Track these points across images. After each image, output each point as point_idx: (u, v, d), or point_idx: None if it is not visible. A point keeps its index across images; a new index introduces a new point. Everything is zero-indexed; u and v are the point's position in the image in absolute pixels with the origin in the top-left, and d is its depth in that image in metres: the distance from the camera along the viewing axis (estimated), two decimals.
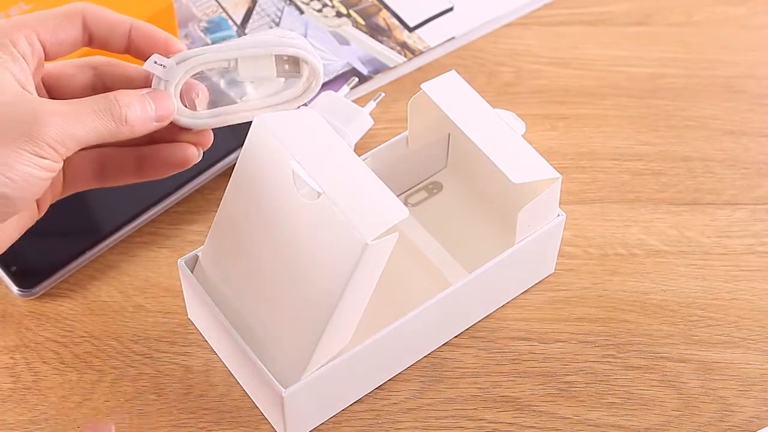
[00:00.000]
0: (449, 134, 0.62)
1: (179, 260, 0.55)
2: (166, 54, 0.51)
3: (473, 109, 0.57)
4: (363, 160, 0.57)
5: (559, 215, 0.58)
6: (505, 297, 0.60)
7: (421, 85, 0.57)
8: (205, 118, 0.53)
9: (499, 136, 0.55)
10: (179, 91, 0.51)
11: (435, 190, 0.63)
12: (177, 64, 0.51)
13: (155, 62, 0.51)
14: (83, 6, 0.51)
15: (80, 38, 0.51)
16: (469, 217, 0.62)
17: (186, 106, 0.52)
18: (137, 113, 0.49)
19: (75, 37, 0.51)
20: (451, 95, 0.57)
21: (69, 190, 0.53)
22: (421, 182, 0.64)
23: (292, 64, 0.53)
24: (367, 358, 0.53)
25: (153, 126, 0.50)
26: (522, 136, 0.57)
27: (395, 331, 0.53)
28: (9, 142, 0.46)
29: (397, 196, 0.58)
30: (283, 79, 0.53)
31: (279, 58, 0.52)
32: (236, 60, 0.52)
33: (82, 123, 0.47)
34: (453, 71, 0.58)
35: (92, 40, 0.52)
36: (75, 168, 0.52)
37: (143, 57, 0.52)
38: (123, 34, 0.52)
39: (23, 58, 0.49)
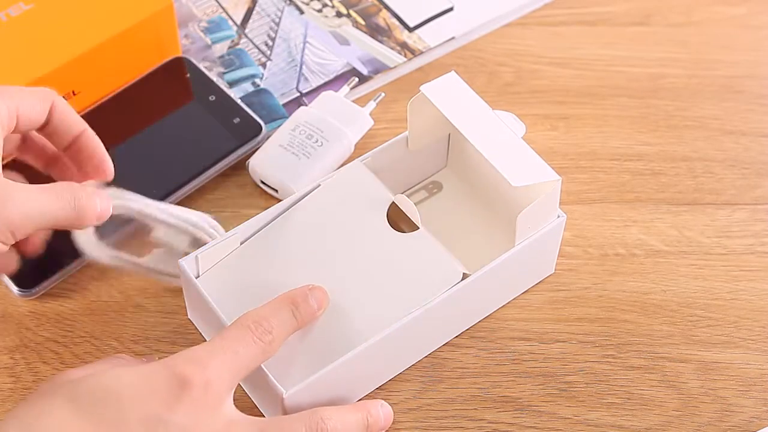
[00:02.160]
0: (449, 134, 0.62)
1: (180, 261, 0.55)
2: (95, 174, 0.56)
3: (473, 111, 0.57)
4: (363, 160, 0.58)
5: (559, 216, 0.58)
6: (505, 297, 0.60)
7: (421, 87, 0.57)
8: (107, 252, 0.57)
9: (499, 138, 0.55)
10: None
11: (435, 190, 0.63)
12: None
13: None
14: (53, 95, 0.55)
15: (41, 121, 0.55)
16: (469, 217, 0.62)
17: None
18: (89, 209, 0.53)
19: (40, 119, 0.55)
20: (451, 96, 0.57)
21: None
22: (421, 182, 0.64)
23: (198, 244, 0.57)
24: (367, 359, 0.53)
25: (94, 222, 0.54)
26: (522, 137, 0.57)
27: (395, 332, 0.53)
28: None
29: (397, 194, 0.59)
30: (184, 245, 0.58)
31: (193, 237, 0.57)
32: (157, 221, 0.57)
33: (44, 210, 0.51)
34: (453, 72, 0.58)
35: (46, 126, 0.55)
36: None
37: (76, 163, 0.57)
38: (72, 134, 0.56)
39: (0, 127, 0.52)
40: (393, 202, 0.58)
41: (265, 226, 0.57)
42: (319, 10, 0.75)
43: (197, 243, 0.57)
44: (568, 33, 0.74)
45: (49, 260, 0.60)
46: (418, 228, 0.57)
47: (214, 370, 0.47)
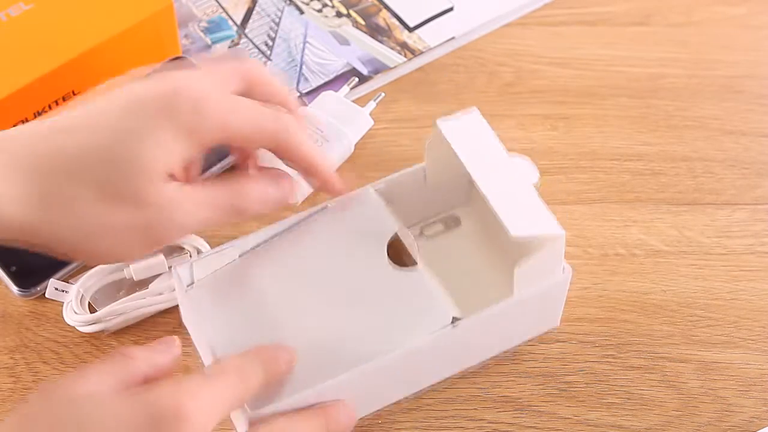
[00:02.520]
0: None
1: (174, 268, 0.54)
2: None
3: (487, 152, 0.54)
4: (375, 187, 0.57)
5: (564, 271, 0.55)
6: (501, 346, 0.58)
7: (437, 122, 0.54)
8: (110, 320, 0.58)
9: (509, 184, 0.53)
10: (84, 303, 0.58)
11: (453, 225, 0.61)
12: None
13: (56, 288, 0.58)
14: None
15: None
16: (482, 258, 0.59)
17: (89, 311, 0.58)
18: (255, 207, 0.50)
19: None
20: (467, 135, 0.55)
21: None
22: (440, 215, 0.62)
23: (178, 251, 0.58)
24: (341, 392, 0.51)
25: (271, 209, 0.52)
26: (536, 184, 0.56)
27: (374, 369, 0.51)
28: (129, 235, 0.46)
29: (413, 225, 0.58)
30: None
31: (167, 250, 0.59)
32: (128, 266, 0.58)
33: (197, 217, 0.48)
34: (475, 109, 0.56)
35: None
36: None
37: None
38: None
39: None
40: (396, 234, 0.56)
41: (264, 242, 0.55)
42: (319, 10, 0.75)
43: (171, 250, 0.59)
44: (568, 33, 0.74)
45: (49, 260, 0.60)
46: (416, 264, 0.55)
47: (193, 411, 0.44)
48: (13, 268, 0.60)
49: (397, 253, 0.56)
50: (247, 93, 0.50)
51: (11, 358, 0.58)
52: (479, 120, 0.56)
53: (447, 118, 0.54)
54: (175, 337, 0.48)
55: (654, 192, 0.66)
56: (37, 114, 0.64)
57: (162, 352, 0.48)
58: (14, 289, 0.60)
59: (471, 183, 0.57)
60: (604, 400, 0.57)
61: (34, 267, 0.60)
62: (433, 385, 0.56)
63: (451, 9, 0.75)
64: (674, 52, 0.73)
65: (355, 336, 0.52)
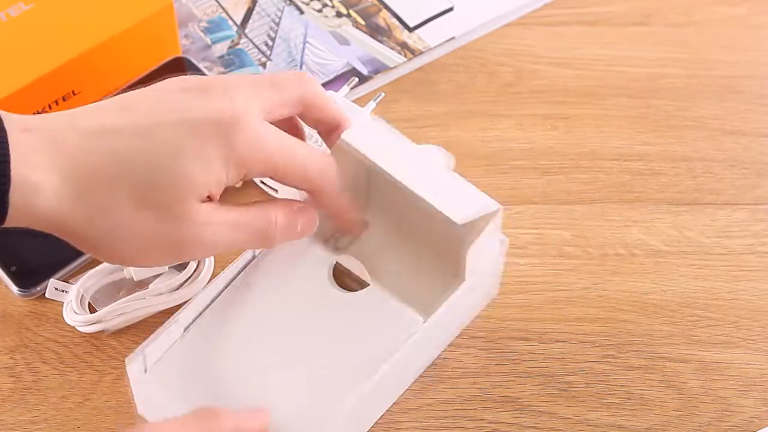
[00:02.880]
0: (369, 176, 0.57)
1: (127, 361, 0.51)
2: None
3: (397, 150, 0.54)
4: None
5: (502, 243, 0.55)
6: (460, 327, 0.58)
7: (342, 136, 0.53)
8: (110, 320, 0.57)
9: (430, 174, 0.53)
10: (84, 303, 0.58)
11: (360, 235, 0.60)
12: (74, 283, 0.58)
13: (56, 288, 0.58)
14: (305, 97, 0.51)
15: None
16: (403, 253, 0.58)
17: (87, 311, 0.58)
18: (283, 236, 0.51)
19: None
20: (373, 140, 0.54)
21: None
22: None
23: None
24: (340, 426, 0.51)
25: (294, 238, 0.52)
26: (453, 167, 0.56)
27: (363, 396, 0.51)
28: (158, 252, 0.47)
29: (326, 241, 0.56)
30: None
31: None
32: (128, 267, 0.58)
33: (225, 239, 0.48)
34: (374, 118, 0.56)
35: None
36: None
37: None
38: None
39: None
40: (336, 263, 0.55)
41: (206, 309, 0.54)
42: (319, 10, 0.75)
43: None
44: (568, 33, 0.74)
45: (49, 260, 0.60)
46: (368, 284, 0.54)
47: None
48: (13, 268, 0.60)
49: (342, 279, 0.55)
50: (302, 116, 0.51)
51: (11, 358, 0.58)
52: (382, 125, 0.55)
53: (349, 130, 0.53)
54: (266, 409, 0.49)
55: (654, 192, 0.66)
56: (38, 113, 0.64)
57: (250, 419, 0.48)
58: (14, 289, 0.60)
59: (369, 190, 0.56)
60: (604, 400, 0.57)
61: (34, 267, 0.60)
62: (410, 385, 0.57)
63: (451, 9, 0.75)
64: (674, 52, 0.73)
65: (335, 373, 0.52)
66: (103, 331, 0.58)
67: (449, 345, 0.58)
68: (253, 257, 0.55)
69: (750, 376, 0.58)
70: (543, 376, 0.57)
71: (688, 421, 0.56)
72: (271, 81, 0.49)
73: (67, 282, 0.59)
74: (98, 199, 0.45)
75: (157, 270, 0.59)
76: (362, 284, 0.54)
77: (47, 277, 0.60)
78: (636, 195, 0.65)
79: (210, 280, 0.57)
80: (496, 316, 0.60)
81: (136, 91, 0.48)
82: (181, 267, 0.59)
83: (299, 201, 0.52)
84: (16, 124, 0.45)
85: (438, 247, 0.55)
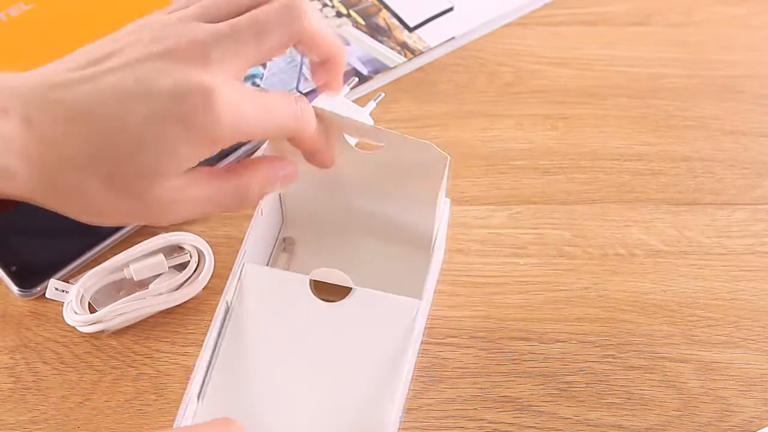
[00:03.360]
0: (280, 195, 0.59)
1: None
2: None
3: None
4: (249, 261, 0.56)
5: (445, 203, 0.56)
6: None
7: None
8: (110, 320, 0.58)
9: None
10: (84, 303, 0.58)
11: (291, 245, 0.61)
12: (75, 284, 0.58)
13: (56, 288, 0.58)
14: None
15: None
16: (344, 252, 0.59)
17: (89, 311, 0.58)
18: (262, 197, 0.51)
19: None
20: None
21: None
22: (274, 245, 0.61)
23: (178, 251, 0.59)
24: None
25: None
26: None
27: (402, 387, 0.53)
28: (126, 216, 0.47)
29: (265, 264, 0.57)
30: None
31: (166, 250, 0.59)
32: (128, 266, 0.59)
33: (202, 212, 0.48)
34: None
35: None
36: None
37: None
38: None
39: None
40: (311, 279, 0.55)
41: (209, 371, 0.53)
42: (319, 10, 0.75)
43: (170, 250, 0.59)
44: (568, 33, 0.74)
45: (49, 260, 0.60)
46: (352, 288, 0.55)
47: None
48: (13, 268, 0.60)
49: (323, 295, 0.55)
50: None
51: (11, 358, 0.58)
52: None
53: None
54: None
55: (654, 192, 0.66)
56: (12, 74, 0.64)
57: None
58: (14, 289, 0.60)
59: (281, 202, 0.58)
60: (604, 400, 0.57)
61: (34, 267, 0.60)
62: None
63: (451, 9, 0.75)
64: (674, 52, 0.73)
65: (364, 380, 0.52)
66: (103, 331, 0.58)
67: (450, 345, 0.58)
68: (228, 309, 0.54)
69: (750, 376, 0.58)
70: (543, 376, 0.57)
71: (688, 421, 0.56)
72: (256, 29, 0.47)
73: (68, 282, 0.59)
74: (69, 185, 0.45)
75: (157, 270, 0.59)
76: (344, 291, 0.55)
77: (47, 277, 0.60)
78: (636, 195, 0.65)
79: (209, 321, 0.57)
80: (496, 316, 0.60)
81: (117, 34, 0.49)
82: (181, 267, 0.59)
83: (277, 158, 0.51)
84: None
85: (405, 223, 0.56)
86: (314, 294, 0.54)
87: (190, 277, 0.59)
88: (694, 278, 0.62)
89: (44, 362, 0.58)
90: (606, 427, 0.56)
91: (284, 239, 0.61)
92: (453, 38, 0.74)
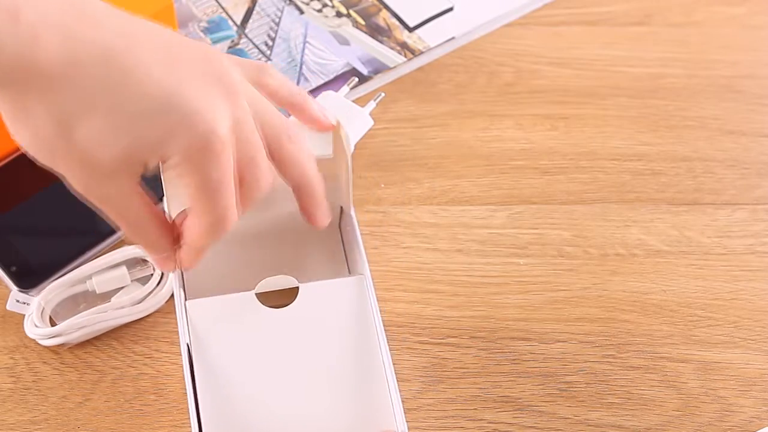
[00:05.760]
0: None
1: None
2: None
3: None
4: (193, 299, 0.54)
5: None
6: None
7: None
8: (71, 333, 0.57)
9: None
10: (45, 316, 0.58)
11: None
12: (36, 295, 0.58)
13: (17, 300, 0.58)
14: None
15: None
16: (287, 242, 0.58)
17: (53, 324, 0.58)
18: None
19: None
20: None
21: None
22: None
23: (141, 264, 0.59)
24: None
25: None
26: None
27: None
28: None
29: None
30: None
31: (129, 263, 0.59)
32: (91, 279, 0.58)
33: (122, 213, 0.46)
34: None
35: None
36: None
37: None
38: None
39: None
40: (256, 294, 0.54)
41: (198, 412, 0.52)
42: (319, 10, 0.75)
43: (135, 263, 0.59)
44: (568, 33, 0.74)
45: (49, 260, 0.60)
46: (297, 287, 0.54)
47: None
48: (13, 268, 0.60)
49: (273, 300, 0.54)
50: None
51: (11, 358, 0.58)
52: None
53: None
54: None
55: (654, 192, 0.66)
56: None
57: None
58: (14, 289, 0.59)
59: None
60: (604, 400, 0.57)
61: (34, 267, 0.60)
62: None
63: (451, 9, 0.75)
64: (674, 52, 0.73)
65: (347, 371, 0.52)
66: (63, 345, 0.58)
67: (449, 345, 0.58)
68: (188, 349, 0.53)
69: (750, 376, 0.58)
70: (543, 376, 0.57)
71: (688, 421, 0.56)
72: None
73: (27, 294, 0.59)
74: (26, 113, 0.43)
75: (119, 282, 0.59)
76: (291, 293, 0.54)
77: (47, 277, 0.60)
78: (636, 195, 0.65)
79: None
80: (496, 316, 0.60)
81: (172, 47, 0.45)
82: (145, 280, 0.59)
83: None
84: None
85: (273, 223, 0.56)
86: (260, 305, 0.53)
87: (153, 290, 0.59)
88: (694, 278, 0.62)
89: (44, 362, 0.58)
90: (606, 427, 0.56)
91: None
92: (453, 38, 0.74)
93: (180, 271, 0.54)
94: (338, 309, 0.53)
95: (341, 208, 0.57)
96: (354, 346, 0.52)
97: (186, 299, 0.53)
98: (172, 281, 0.56)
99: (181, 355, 0.51)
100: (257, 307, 0.53)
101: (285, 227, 0.57)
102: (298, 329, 0.53)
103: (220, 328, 0.53)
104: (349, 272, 0.56)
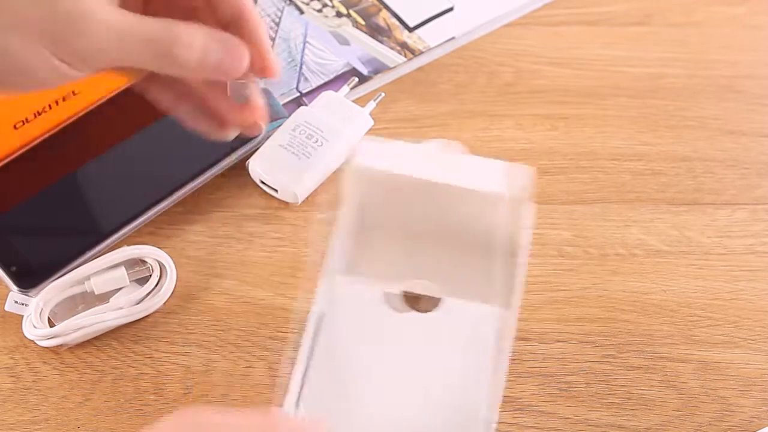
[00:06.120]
0: (388, 194, 0.58)
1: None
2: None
3: (409, 156, 0.55)
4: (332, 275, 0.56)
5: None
6: None
7: (353, 162, 0.55)
8: (69, 334, 0.57)
9: (450, 166, 0.55)
10: (44, 317, 0.57)
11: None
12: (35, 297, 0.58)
13: (15, 301, 0.58)
14: None
15: None
16: (451, 255, 0.58)
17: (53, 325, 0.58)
18: (194, 56, 0.43)
19: None
20: (383, 155, 0.55)
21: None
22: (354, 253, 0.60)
23: (140, 264, 0.59)
24: None
25: (210, 75, 0.44)
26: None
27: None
28: (30, 35, 0.41)
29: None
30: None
31: (128, 264, 0.59)
32: (89, 279, 0.58)
33: (126, 47, 0.42)
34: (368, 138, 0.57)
35: None
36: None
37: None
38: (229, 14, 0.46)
39: None
40: (401, 290, 0.56)
41: (303, 383, 0.53)
42: (319, 10, 0.75)
43: (133, 263, 0.59)
44: (568, 33, 0.74)
45: (49, 260, 0.60)
46: (440, 299, 0.55)
47: None
48: (13, 268, 0.60)
49: (413, 302, 0.56)
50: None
51: (11, 358, 0.58)
52: (378, 142, 0.56)
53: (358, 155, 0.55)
54: (324, 421, 0.48)
55: (654, 192, 0.66)
56: (37, 114, 0.64)
57: (307, 428, 0.46)
58: (14, 289, 0.59)
59: (389, 203, 0.57)
60: (604, 400, 0.57)
61: (34, 267, 0.60)
62: None
63: (451, 9, 0.75)
64: (674, 52, 0.73)
65: (456, 393, 0.52)
66: (61, 346, 0.58)
67: None
68: (319, 319, 0.54)
69: (750, 376, 0.58)
70: (543, 376, 0.57)
71: (688, 421, 0.56)
72: None
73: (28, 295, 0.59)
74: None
75: (118, 283, 0.59)
76: (433, 301, 0.55)
77: (47, 277, 0.60)
78: (636, 195, 0.65)
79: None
80: None
81: None
82: (143, 281, 0.59)
83: (220, 32, 0.46)
84: None
85: (489, 230, 0.56)
86: (403, 303, 0.55)
87: (151, 290, 0.59)
88: (694, 278, 0.62)
89: (44, 362, 0.58)
90: (606, 427, 0.56)
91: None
92: (453, 38, 0.74)
93: (338, 244, 0.55)
94: (472, 334, 0.54)
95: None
96: (467, 375, 0.52)
97: (331, 273, 0.55)
98: (330, 251, 0.56)
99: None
100: (397, 303, 0.55)
101: (452, 233, 0.58)
102: (427, 338, 0.54)
103: (353, 309, 0.54)
104: (497, 300, 0.56)
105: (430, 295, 0.56)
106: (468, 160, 0.56)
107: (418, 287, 0.56)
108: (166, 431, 0.43)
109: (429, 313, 0.55)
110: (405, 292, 0.55)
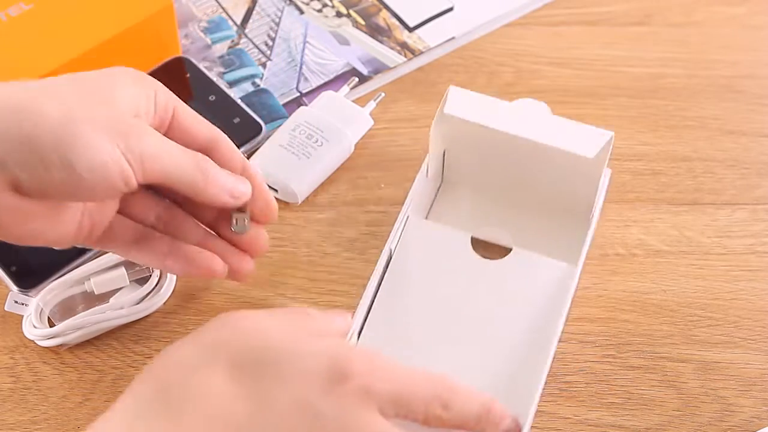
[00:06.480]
0: (479, 144, 0.60)
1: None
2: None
3: (499, 111, 0.58)
4: (415, 214, 0.59)
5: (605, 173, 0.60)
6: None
7: (444, 110, 0.57)
8: (68, 334, 0.57)
9: (538, 123, 0.57)
10: (44, 317, 0.58)
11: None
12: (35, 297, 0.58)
13: (15, 301, 0.58)
14: (174, 101, 0.52)
15: (166, 124, 0.51)
16: (529, 211, 0.61)
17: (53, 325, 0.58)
18: (219, 178, 0.50)
19: (165, 119, 0.51)
20: (473, 107, 0.58)
21: (98, 243, 0.53)
22: (432, 202, 0.63)
23: (140, 264, 0.59)
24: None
25: (226, 199, 0.51)
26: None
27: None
28: (104, 132, 0.46)
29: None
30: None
31: (128, 264, 0.59)
32: (89, 279, 0.58)
33: (174, 159, 0.48)
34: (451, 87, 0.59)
35: (170, 129, 0.52)
36: (116, 228, 0.53)
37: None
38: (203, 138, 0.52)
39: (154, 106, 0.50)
40: (472, 237, 0.59)
41: (368, 314, 0.56)
42: (319, 10, 0.75)
43: (132, 264, 0.59)
44: (568, 33, 0.74)
45: (49, 260, 0.60)
46: (510, 249, 0.58)
47: (378, 381, 0.44)
48: (13, 268, 0.60)
49: (484, 249, 0.59)
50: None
51: (11, 358, 0.58)
52: (469, 94, 0.59)
53: (450, 103, 0.58)
54: (350, 314, 0.51)
55: (654, 192, 0.66)
56: None
57: (335, 320, 0.49)
58: (14, 289, 0.59)
59: (479, 154, 0.60)
60: (604, 400, 0.57)
61: (34, 267, 0.60)
62: None
63: (451, 9, 0.75)
64: (674, 52, 0.73)
65: (516, 338, 0.55)
66: (61, 345, 0.58)
67: None
68: (390, 257, 0.57)
69: (750, 376, 0.58)
70: None
71: (688, 421, 0.56)
72: None
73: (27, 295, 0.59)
74: None
75: (118, 283, 0.59)
76: (503, 250, 0.58)
77: (47, 277, 0.60)
78: (636, 195, 0.65)
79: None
80: None
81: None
82: (143, 281, 0.59)
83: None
84: None
85: (566, 189, 0.59)
86: (473, 250, 0.58)
87: (151, 290, 0.59)
88: (694, 278, 0.62)
89: (44, 362, 0.58)
90: (606, 427, 0.56)
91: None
92: (453, 38, 0.74)
93: (418, 188, 0.59)
94: (538, 285, 0.57)
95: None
96: (531, 324, 0.56)
97: (407, 215, 0.59)
98: (410, 194, 0.60)
99: None
100: (466, 249, 0.58)
101: (530, 188, 0.61)
102: (492, 286, 0.57)
103: (425, 251, 0.58)
104: (565, 256, 0.59)
105: (502, 244, 0.59)
106: (553, 120, 0.58)
107: (491, 235, 0.59)
108: (208, 340, 0.45)
109: (498, 261, 0.58)
110: (476, 239, 0.58)
